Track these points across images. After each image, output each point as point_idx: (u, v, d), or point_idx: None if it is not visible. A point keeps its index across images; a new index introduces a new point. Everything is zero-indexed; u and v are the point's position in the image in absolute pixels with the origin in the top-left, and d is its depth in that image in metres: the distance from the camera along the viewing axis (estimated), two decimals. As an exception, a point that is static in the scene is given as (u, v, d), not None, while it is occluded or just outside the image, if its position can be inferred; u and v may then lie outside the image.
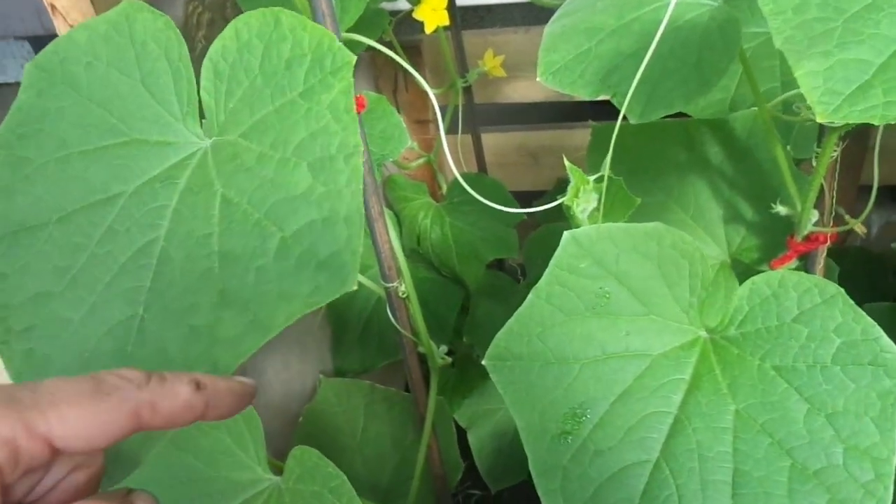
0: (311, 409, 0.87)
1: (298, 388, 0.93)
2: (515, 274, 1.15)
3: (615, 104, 0.55)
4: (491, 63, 1.14)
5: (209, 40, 0.99)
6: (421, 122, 1.36)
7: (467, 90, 1.19)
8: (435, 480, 0.79)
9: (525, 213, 0.82)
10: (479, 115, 1.25)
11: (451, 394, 1.12)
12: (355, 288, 0.37)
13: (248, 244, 0.39)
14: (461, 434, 1.14)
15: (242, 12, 0.85)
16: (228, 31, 0.47)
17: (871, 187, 1.41)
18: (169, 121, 0.44)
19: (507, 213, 1.10)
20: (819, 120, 0.31)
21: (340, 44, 0.41)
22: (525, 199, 1.11)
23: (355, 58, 0.40)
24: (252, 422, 0.56)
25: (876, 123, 0.29)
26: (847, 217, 0.78)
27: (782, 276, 0.48)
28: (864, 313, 0.46)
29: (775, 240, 0.67)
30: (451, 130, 1.21)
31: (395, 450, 0.83)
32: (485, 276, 1.05)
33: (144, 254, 0.41)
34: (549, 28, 0.62)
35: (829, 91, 0.31)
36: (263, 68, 0.42)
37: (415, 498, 0.73)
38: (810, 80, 0.32)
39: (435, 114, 1.37)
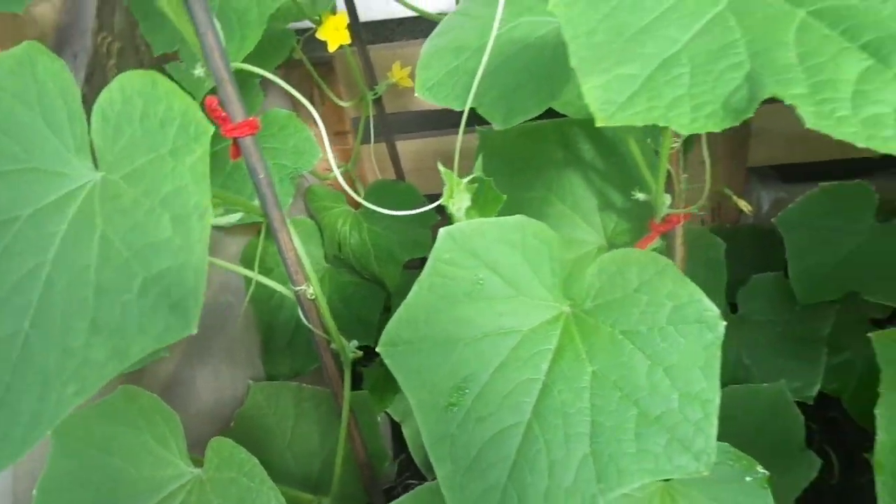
0: (241, 414, 0.92)
1: (230, 396, 0.97)
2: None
3: (481, 113, 0.63)
4: (399, 75, 1.20)
5: (120, 69, 1.03)
6: (339, 133, 1.42)
7: (379, 100, 1.25)
8: (361, 469, 0.85)
9: (429, 210, 0.88)
10: (394, 124, 1.32)
11: (381, 391, 1.18)
12: (195, 332, 0.44)
13: (118, 279, 0.45)
14: (397, 427, 1.21)
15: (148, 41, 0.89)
16: (114, 84, 0.52)
17: (758, 168, 1.52)
18: (64, 154, 0.49)
19: (421, 214, 1.17)
20: (598, 125, 0.38)
21: (202, 114, 0.47)
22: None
23: (213, 129, 0.47)
24: (171, 421, 0.61)
25: (639, 125, 0.37)
26: (719, 191, 0.87)
27: (624, 254, 0.56)
28: (689, 280, 0.54)
29: (643, 222, 0.75)
30: (366, 140, 1.28)
31: (324, 445, 0.89)
32: (403, 276, 1.12)
33: (33, 275, 0.47)
34: (425, 47, 0.69)
35: (606, 101, 0.39)
36: (143, 123, 0.48)
37: (338, 486, 0.78)
38: (593, 93, 0.39)
39: (352, 124, 1.43)
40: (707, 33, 0.40)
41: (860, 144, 0.31)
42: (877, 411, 0.64)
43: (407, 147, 1.39)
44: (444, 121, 1.49)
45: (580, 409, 0.53)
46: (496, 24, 0.51)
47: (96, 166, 0.49)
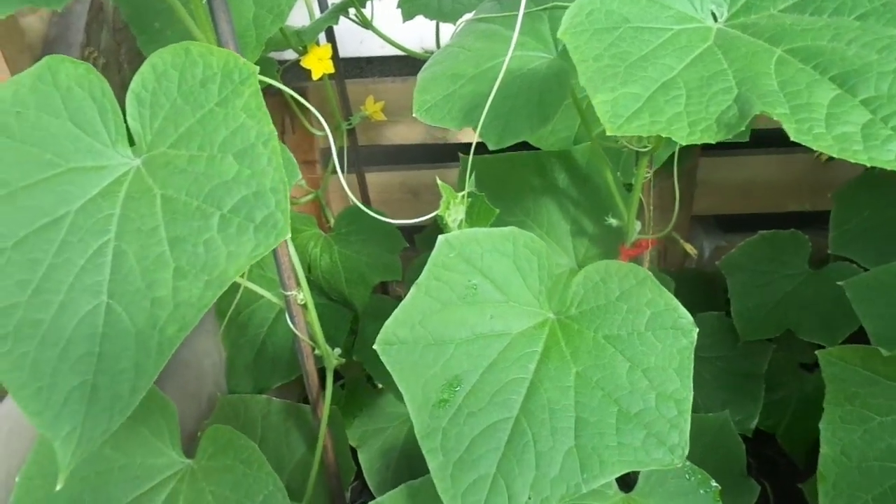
0: (209, 425, 0.92)
1: (195, 410, 0.97)
2: (400, 298, 1.25)
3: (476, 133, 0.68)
4: (372, 108, 1.26)
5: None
6: (308, 162, 1.45)
7: (351, 133, 1.30)
8: (329, 479, 0.86)
9: (401, 224, 0.92)
10: (363, 156, 1.37)
11: (342, 414, 1.19)
12: (289, 236, 0.45)
13: (193, 226, 0.47)
14: (353, 453, 1.21)
15: (135, 56, 0.92)
16: (145, 66, 0.55)
17: (701, 217, 1.62)
18: (100, 149, 0.51)
19: (391, 240, 1.21)
20: (609, 133, 0.44)
21: (244, 59, 0.50)
22: (407, 232, 1.23)
23: (258, 68, 0.50)
24: (167, 411, 0.62)
25: (644, 135, 0.43)
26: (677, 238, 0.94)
27: (608, 265, 0.61)
28: (665, 290, 0.59)
29: (612, 248, 0.81)
30: (335, 170, 1.31)
31: (291, 456, 0.90)
32: (371, 299, 1.15)
33: (99, 254, 0.48)
34: (421, 74, 0.74)
35: (614, 114, 0.44)
36: (181, 90, 0.50)
37: (311, 493, 0.79)
38: (602, 107, 0.45)
39: (321, 154, 1.46)
40: (699, 63, 0.46)
41: (835, 155, 0.37)
42: (821, 425, 0.70)
43: (374, 179, 1.44)
44: (410, 156, 1.55)
45: (565, 406, 0.58)
46: (510, 52, 0.57)
47: (137, 151, 0.51)
